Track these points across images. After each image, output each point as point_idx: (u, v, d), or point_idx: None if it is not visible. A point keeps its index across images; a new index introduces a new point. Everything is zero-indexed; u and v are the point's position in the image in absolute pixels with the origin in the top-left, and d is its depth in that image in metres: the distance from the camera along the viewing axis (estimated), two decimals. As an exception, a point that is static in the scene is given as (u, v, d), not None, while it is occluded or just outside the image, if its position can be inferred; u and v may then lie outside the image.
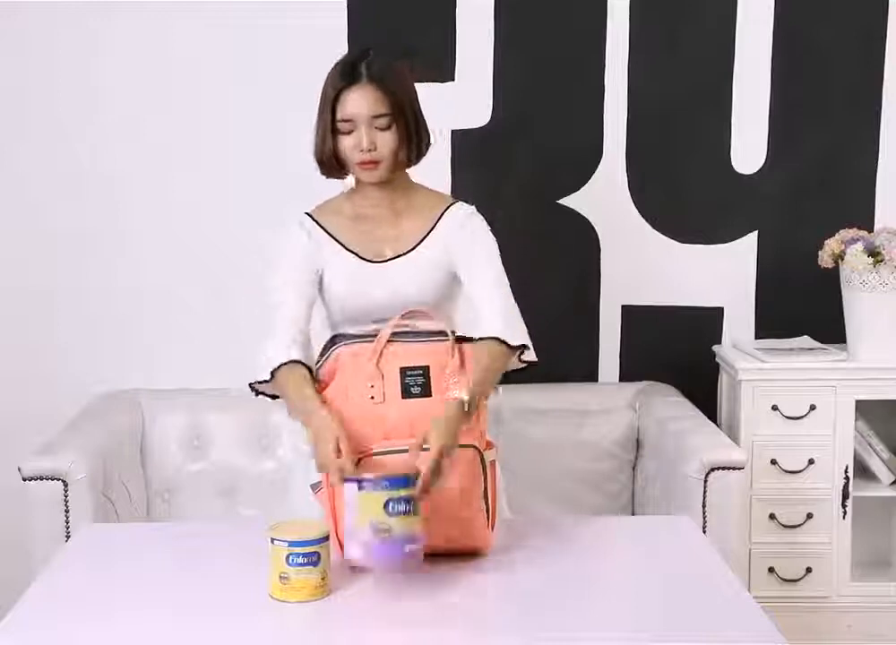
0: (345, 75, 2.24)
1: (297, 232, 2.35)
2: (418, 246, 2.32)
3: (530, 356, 2.24)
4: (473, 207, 2.38)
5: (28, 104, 3.35)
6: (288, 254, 2.34)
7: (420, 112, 2.31)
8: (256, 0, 3.31)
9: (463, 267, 2.31)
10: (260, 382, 2.24)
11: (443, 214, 2.34)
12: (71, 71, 3.33)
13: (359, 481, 1.89)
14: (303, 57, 3.30)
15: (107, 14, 3.30)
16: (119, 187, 3.38)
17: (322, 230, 2.35)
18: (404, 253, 2.32)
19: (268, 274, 2.35)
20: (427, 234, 2.32)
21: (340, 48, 3.29)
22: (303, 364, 2.19)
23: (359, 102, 2.22)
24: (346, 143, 2.25)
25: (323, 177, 2.37)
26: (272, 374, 2.20)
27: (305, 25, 3.31)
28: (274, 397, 2.27)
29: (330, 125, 2.25)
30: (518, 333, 2.22)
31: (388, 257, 2.32)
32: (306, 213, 2.39)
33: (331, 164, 2.30)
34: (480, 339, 2.18)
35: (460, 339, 2.16)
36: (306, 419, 2.11)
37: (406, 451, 2.00)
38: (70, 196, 3.38)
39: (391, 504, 1.87)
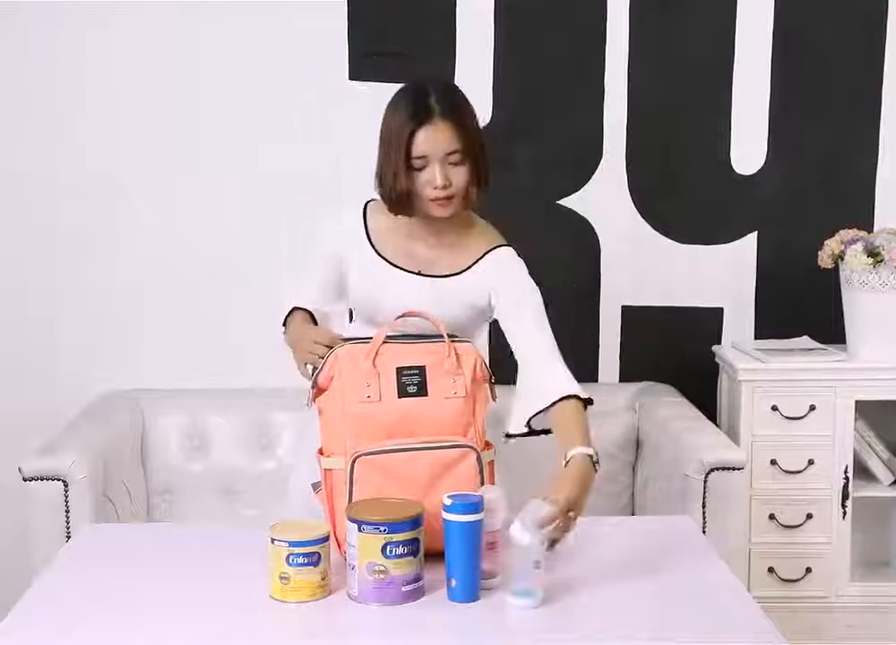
0: (418, 114, 2.17)
1: (347, 218, 2.35)
2: (450, 278, 2.30)
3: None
4: (520, 258, 2.35)
5: (28, 104, 3.35)
6: (328, 234, 2.39)
7: (485, 143, 2.27)
8: (257, 0, 3.32)
9: (512, 322, 2.30)
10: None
11: (486, 254, 2.32)
12: (71, 71, 3.33)
13: (360, 523, 1.90)
14: (303, 57, 3.32)
15: (107, 14, 3.30)
16: (119, 187, 3.38)
17: (363, 228, 2.34)
18: (433, 276, 2.31)
19: (315, 240, 2.42)
20: (464, 270, 2.31)
21: (341, 48, 3.31)
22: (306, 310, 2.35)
23: (434, 140, 2.17)
24: (419, 180, 2.21)
25: (391, 211, 2.29)
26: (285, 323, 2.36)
27: (305, 25, 3.31)
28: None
29: (404, 164, 2.19)
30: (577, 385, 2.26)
31: (418, 271, 2.31)
32: (366, 204, 2.36)
33: (404, 201, 2.24)
34: (560, 399, 2.21)
35: (455, 340, 2.17)
36: (297, 332, 2.27)
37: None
38: (70, 196, 3.38)
39: (388, 547, 1.89)
